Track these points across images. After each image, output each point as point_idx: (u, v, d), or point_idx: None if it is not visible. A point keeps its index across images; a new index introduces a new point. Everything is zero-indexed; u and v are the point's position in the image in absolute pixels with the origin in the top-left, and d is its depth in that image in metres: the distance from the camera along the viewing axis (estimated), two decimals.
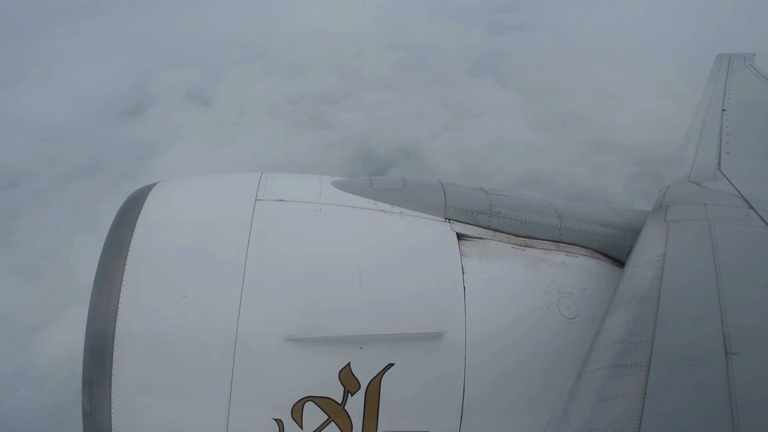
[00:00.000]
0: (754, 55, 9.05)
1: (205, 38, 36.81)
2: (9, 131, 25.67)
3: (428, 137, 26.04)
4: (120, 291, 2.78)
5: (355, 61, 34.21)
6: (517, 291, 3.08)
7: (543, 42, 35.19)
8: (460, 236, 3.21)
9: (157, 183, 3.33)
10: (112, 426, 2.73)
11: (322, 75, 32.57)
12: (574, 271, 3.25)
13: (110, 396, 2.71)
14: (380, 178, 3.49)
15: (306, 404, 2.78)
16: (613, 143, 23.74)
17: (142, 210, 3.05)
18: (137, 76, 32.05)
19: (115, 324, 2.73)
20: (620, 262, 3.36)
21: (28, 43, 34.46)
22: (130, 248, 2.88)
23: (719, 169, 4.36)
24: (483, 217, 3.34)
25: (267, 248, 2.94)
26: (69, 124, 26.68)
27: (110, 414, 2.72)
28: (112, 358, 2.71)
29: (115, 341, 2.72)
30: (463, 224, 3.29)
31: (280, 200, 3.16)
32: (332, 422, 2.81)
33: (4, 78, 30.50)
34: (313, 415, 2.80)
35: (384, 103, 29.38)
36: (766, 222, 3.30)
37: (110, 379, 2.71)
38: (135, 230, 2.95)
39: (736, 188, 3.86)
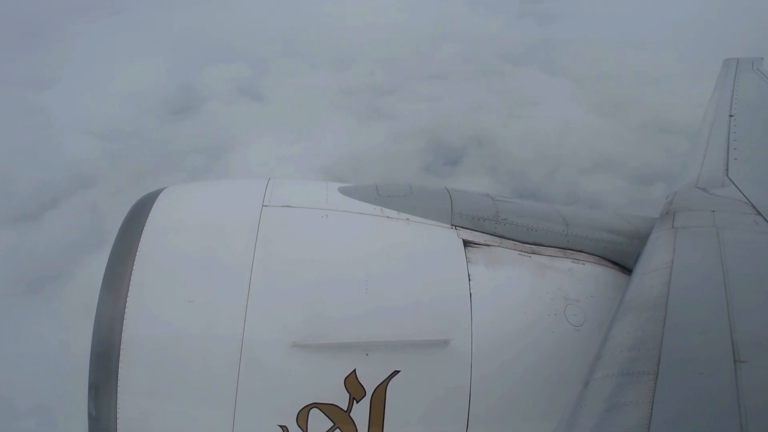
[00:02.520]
0: (762, 59, 9.00)
1: (236, 33, 36.32)
2: (68, 132, 25.08)
3: (496, 125, 26.23)
4: (127, 296, 2.79)
5: (398, 52, 34.04)
6: (523, 298, 3.07)
7: (580, 29, 35.19)
8: (466, 243, 3.21)
9: (165, 188, 3.34)
10: (118, 431, 2.73)
11: (368, 67, 32.45)
12: (580, 278, 3.24)
13: (116, 401, 2.72)
14: (387, 184, 3.49)
15: (311, 411, 2.78)
16: (672, 124, 23.69)
17: (150, 215, 3.06)
18: (179, 73, 31.43)
19: (121, 329, 2.74)
20: (627, 269, 3.34)
21: (50, 44, 34.06)
22: (137, 253, 2.89)
23: (727, 175, 4.33)
24: (489, 223, 3.33)
25: (273, 254, 2.95)
26: (125, 123, 26.21)
27: (116, 419, 2.72)
28: (118, 362, 2.72)
29: (122, 346, 2.73)
30: (470, 231, 3.28)
31: (286, 206, 3.17)
32: (337, 429, 2.80)
33: (41, 80, 30.13)
34: (319, 422, 2.79)
35: (440, 93, 29.56)
36: None
37: (116, 383, 2.71)
38: (142, 235, 2.96)
39: (744, 195, 3.83)
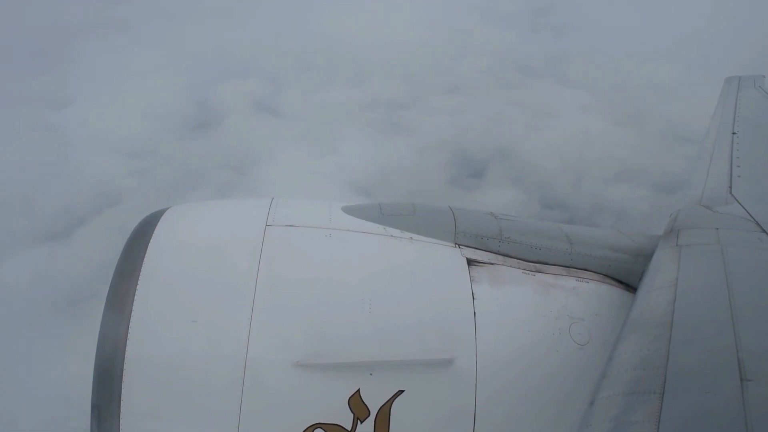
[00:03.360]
0: (764, 77, 9.05)
1: (251, 49, 36.18)
2: (89, 150, 24.66)
3: (518, 137, 26.12)
4: (130, 315, 2.79)
5: (414, 66, 34.01)
6: (527, 317, 3.06)
7: (591, 41, 35.35)
8: (470, 262, 3.21)
9: (169, 208, 3.36)
10: None
11: (385, 81, 32.20)
12: (585, 297, 3.23)
13: (119, 421, 2.71)
14: (390, 204, 3.50)
15: (315, 431, 2.76)
16: (688, 132, 23.60)
17: (154, 234, 3.07)
18: (195, 89, 30.92)
19: (124, 348, 2.74)
20: (631, 287, 3.33)
21: (63, 62, 34.04)
22: (141, 272, 2.90)
23: (730, 192, 4.33)
24: (493, 242, 3.33)
25: (277, 274, 2.95)
26: (146, 140, 25.71)
27: None
28: (121, 382, 2.71)
29: (125, 366, 2.72)
30: (473, 249, 3.28)
31: (290, 225, 3.18)
32: None
33: (58, 99, 30.03)
34: None
35: (458, 106, 29.47)
36: None
37: (119, 403, 2.71)
38: (146, 254, 2.97)
39: (748, 212, 3.82)
